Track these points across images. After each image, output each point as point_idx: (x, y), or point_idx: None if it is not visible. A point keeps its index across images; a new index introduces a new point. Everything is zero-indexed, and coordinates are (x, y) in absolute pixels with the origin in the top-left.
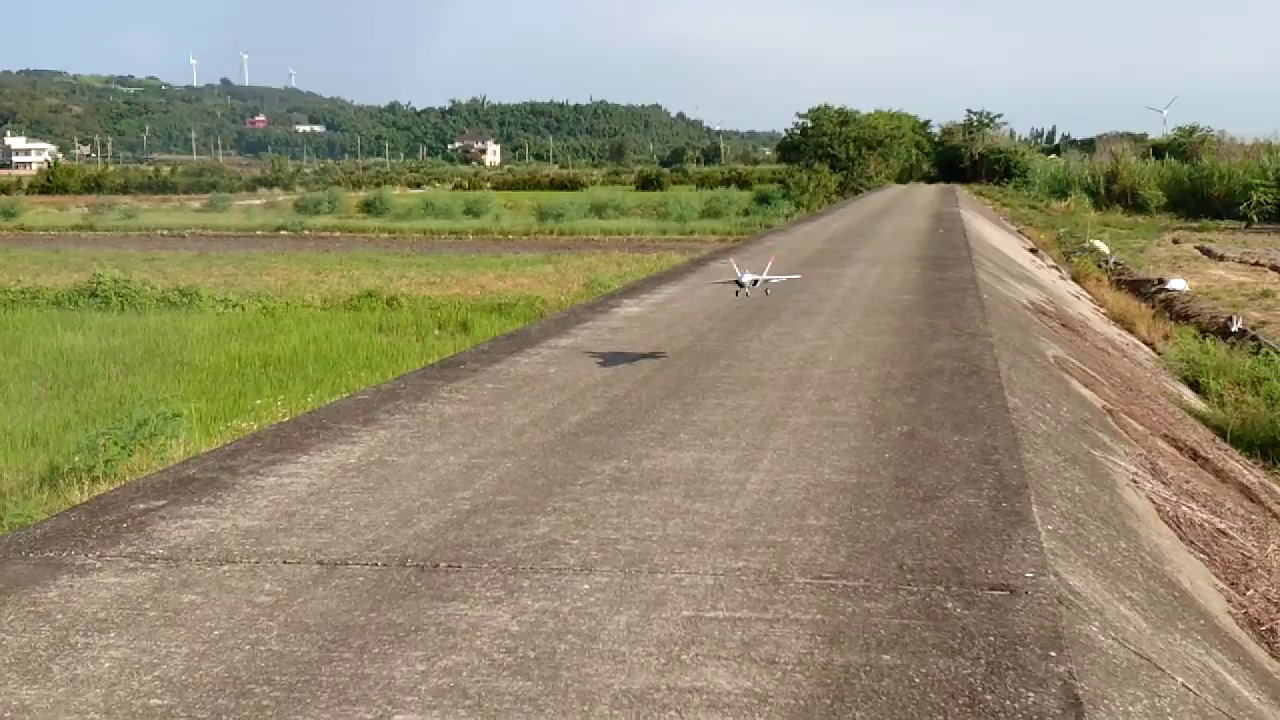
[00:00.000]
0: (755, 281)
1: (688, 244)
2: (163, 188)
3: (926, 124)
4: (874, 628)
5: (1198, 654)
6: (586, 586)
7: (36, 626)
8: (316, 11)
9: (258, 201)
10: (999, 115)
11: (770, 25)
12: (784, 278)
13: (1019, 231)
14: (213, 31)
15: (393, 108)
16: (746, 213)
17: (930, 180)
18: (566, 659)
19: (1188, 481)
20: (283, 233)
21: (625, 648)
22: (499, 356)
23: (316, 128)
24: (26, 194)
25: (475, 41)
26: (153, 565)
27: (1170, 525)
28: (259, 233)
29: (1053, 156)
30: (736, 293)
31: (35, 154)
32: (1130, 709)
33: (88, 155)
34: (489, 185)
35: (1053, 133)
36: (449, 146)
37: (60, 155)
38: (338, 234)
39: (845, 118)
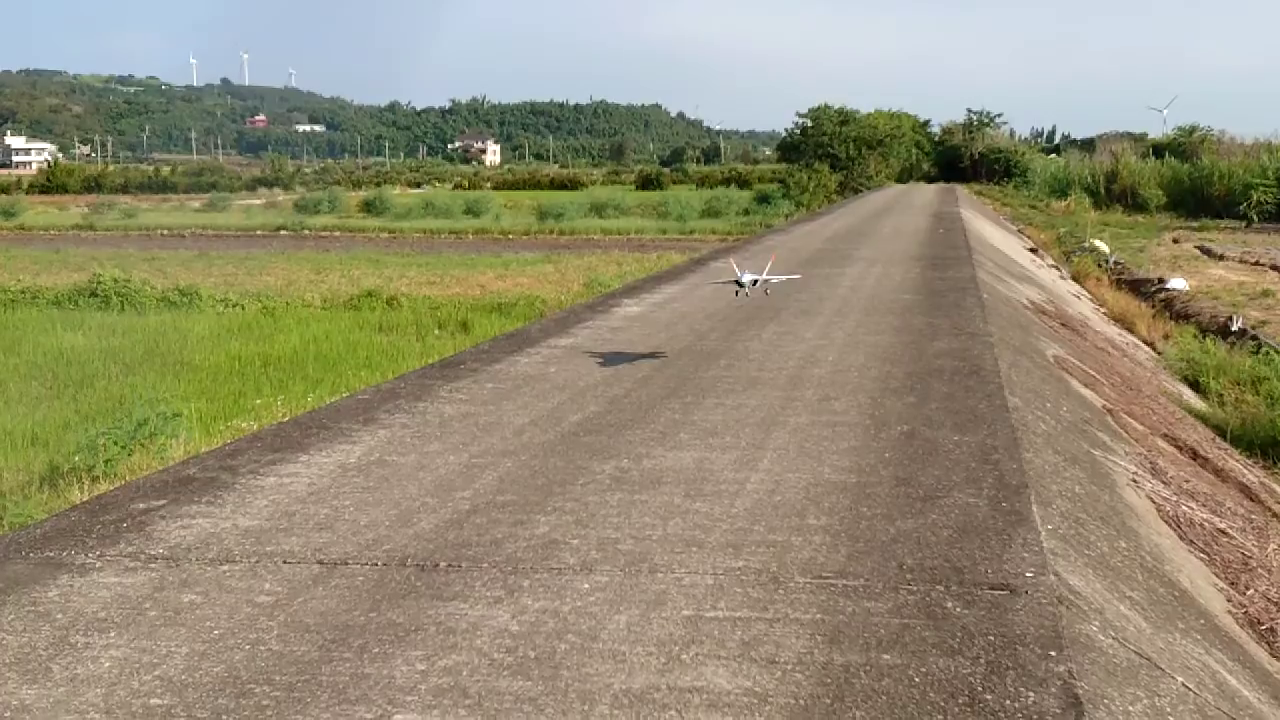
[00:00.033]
0: (755, 281)
1: (688, 244)
2: (163, 187)
3: (926, 123)
4: (874, 627)
5: (1198, 653)
6: (587, 586)
7: (36, 626)
8: (316, 11)
9: (258, 201)
10: (999, 115)
11: (770, 25)
12: (784, 277)
13: (1019, 231)
14: (213, 31)
15: (393, 107)
16: (746, 212)
17: (930, 180)
18: (566, 658)
19: (1188, 481)
20: (283, 232)
21: (625, 647)
22: (499, 356)
23: (316, 127)
24: (26, 194)
25: (475, 41)
26: (153, 565)
27: (1170, 525)
28: (259, 232)
29: (1053, 156)
30: (736, 292)
31: (35, 154)
32: (1130, 709)
33: (88, 155)
34: (489, 185)
35: (1053, 132)
36: (449, 146)
37: (60, 155)
38: (338, 234)
39: (845, 117)
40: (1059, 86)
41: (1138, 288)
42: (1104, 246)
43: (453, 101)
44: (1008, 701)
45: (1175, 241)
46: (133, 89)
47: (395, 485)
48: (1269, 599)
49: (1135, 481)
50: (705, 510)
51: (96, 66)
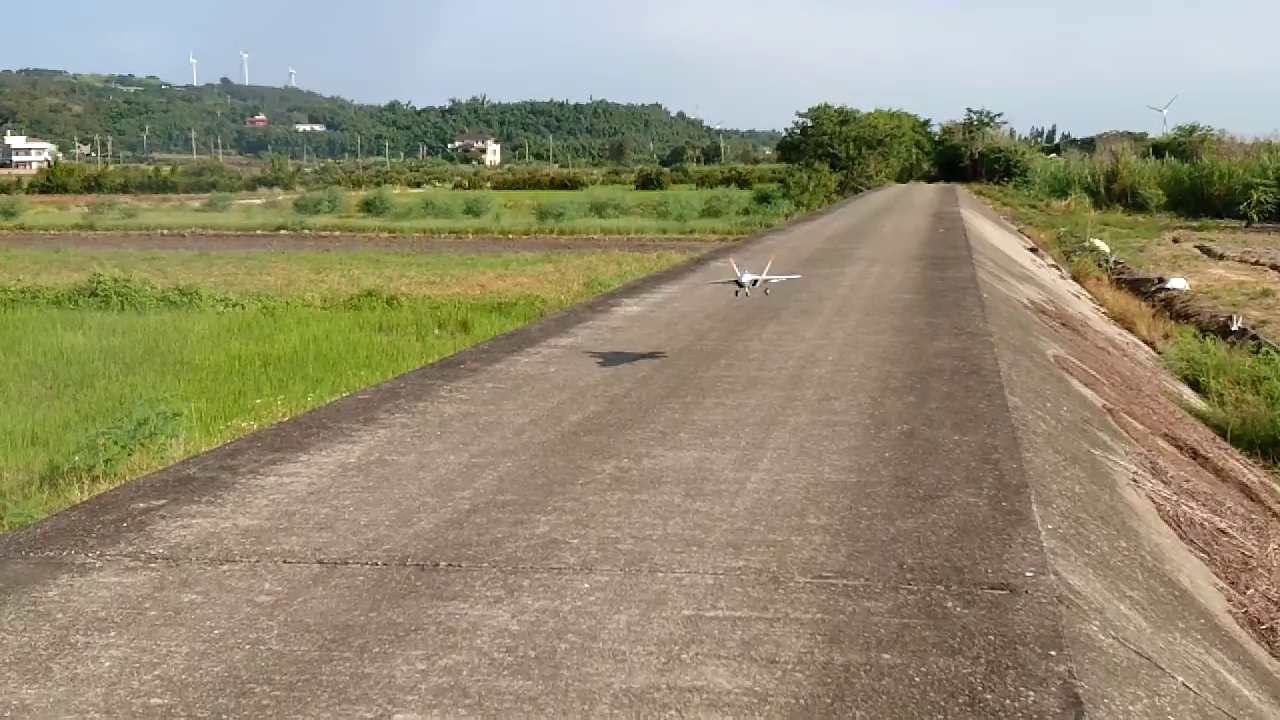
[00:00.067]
0: (755, 281)
1: (688, 243)
2: (163, 187)
3: (926, 123)
4: (874, 627)
5: (1198, 653)
6: (587, 586)
7: (36, 626)
8: (316, 11)
9: (258, 201)
10: (999, 114)
11: (770, 25)
12: (784, 277)
13: (1019, 231)
14: (213, 31)
15: (393, 107)
16: (746, 212)
17: (930, 179)
18: (567, 658)
19: (1188, 480)
20: (283, 232)
21: (625, 647)
22: (499, 356)
23: (316, 127)
24: (26, 193)
25: (475, 41)
26: (153, 565)
27: (1170, 524)
28: (259, 232)
29: (1053, 156)
30: (736, 292)
31: (35, 153)
32: (1130, 708)
33: (88, 155)
34: (489, 184)
35: (1053, 132)
36: (449, 146)
37: (60, 155)
38: (338, 233)
39: (845, 117)
40: (1059, 86)
41: (1138, 287)
42: (1104, 246)
43: (453, 101)
44: (1008, 701)
45: (1175, 241)
46: (133, 89)
47: (395, 485)
48: (1269, 598)
49: (1135, 481)
50: (705, 510)
51: (96, 66)
